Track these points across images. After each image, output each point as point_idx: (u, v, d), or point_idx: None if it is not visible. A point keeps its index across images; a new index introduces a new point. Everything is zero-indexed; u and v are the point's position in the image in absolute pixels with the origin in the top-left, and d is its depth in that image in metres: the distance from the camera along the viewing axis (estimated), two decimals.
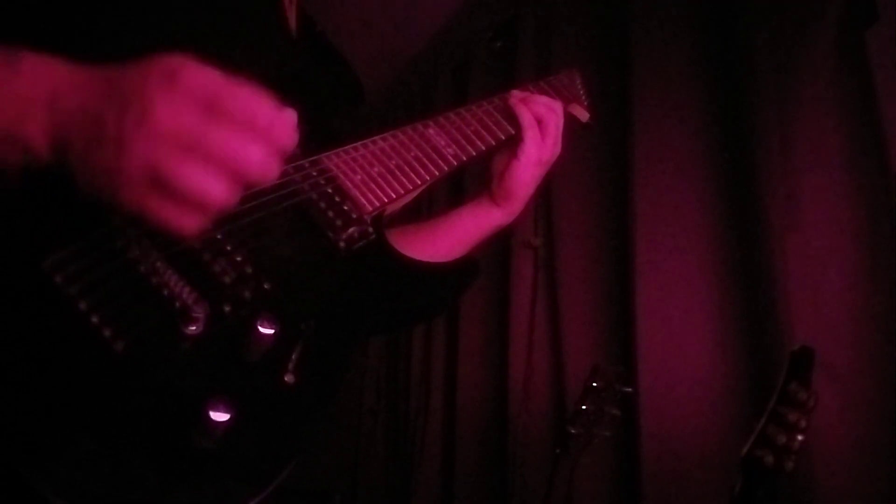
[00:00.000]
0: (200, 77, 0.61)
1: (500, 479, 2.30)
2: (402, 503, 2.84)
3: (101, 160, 0.59)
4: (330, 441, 3.26)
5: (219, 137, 0.60)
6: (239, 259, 0.76)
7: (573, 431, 1.52)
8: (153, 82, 0.60)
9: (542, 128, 1.14)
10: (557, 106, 1.17)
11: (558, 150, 1.17)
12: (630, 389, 1.60)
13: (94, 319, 0.65)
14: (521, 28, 2.57)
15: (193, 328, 0.69)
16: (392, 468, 3.14)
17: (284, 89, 0.95)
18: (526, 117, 1.13)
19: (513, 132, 1.14)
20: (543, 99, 1.17)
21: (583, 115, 1.29)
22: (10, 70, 0.63)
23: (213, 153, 0.60)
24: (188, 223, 0.61)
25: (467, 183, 2.54)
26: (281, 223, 0.82)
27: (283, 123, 0.63)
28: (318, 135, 0.95)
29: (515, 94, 1.17)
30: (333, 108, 1.04)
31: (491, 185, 1.18)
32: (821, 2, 1.61)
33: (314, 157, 0.90)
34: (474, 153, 1.09)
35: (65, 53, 0.65)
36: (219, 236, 0.75)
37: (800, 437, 1.10)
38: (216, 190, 0.60)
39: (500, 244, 2.36)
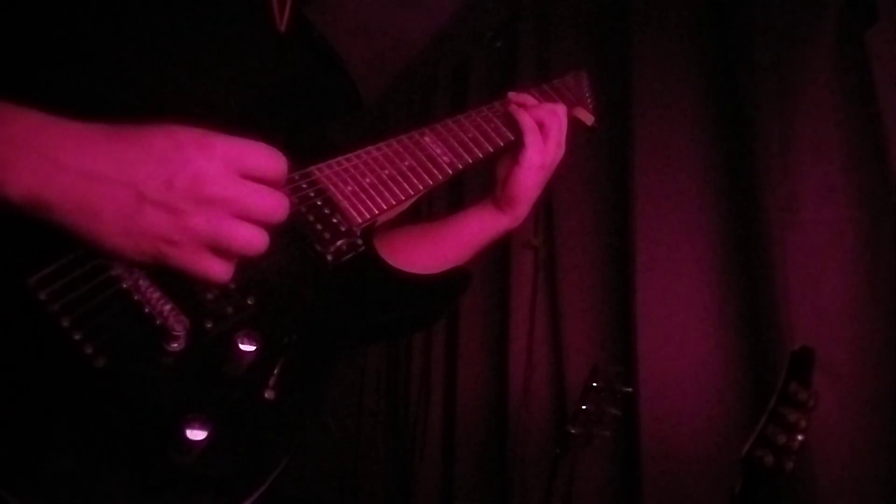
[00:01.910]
0: (228, 144, 0.69)
1: (500, 479, 2.30)
2: (402, 503, 2.83)
3: (145, 226, 0.65)
4: (329, 443, 3.26)
5: (253, 196, 0.69)
6: None
7: (573, 431, 1.52)
8: (192, 152, 0.66)
9: (543, 132, 1.12)
10: (560, 109, 1.15)
11: (562, 153, 1.15)
12: (630, 389, 1.60)
13: (76, 336, 0.65)
14: (521, 28, 2.57)
15: (175, 345, 0.68)
16: (392, 468, 3.14)
17: (273, 98, 0.93)
18: (526, 122, 1.12)
19: (512, 139, 1.13)
20: (545, 103, 1.15)
21: (587, 118, 1.26)
22: None
23: (251, 211, 0.69)
24: (227, 271, 0.70)
25: (467, 186, 2.54)
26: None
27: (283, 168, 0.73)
28: (311, 144, 0.93)
29: (513, 97, 1.16)
30: (328, 116, 1.02)
31: (494, 190, 1.17)
32: (821, 2, 1.61)
33: (305, 170, 0.88)
34: (471, 161, 1.07)
35: (35, 48, 0.64)
36: None
37: (800, 437, 1.09)
38: (260, 241, 0.70)
39: (500, 244, 2.36)
